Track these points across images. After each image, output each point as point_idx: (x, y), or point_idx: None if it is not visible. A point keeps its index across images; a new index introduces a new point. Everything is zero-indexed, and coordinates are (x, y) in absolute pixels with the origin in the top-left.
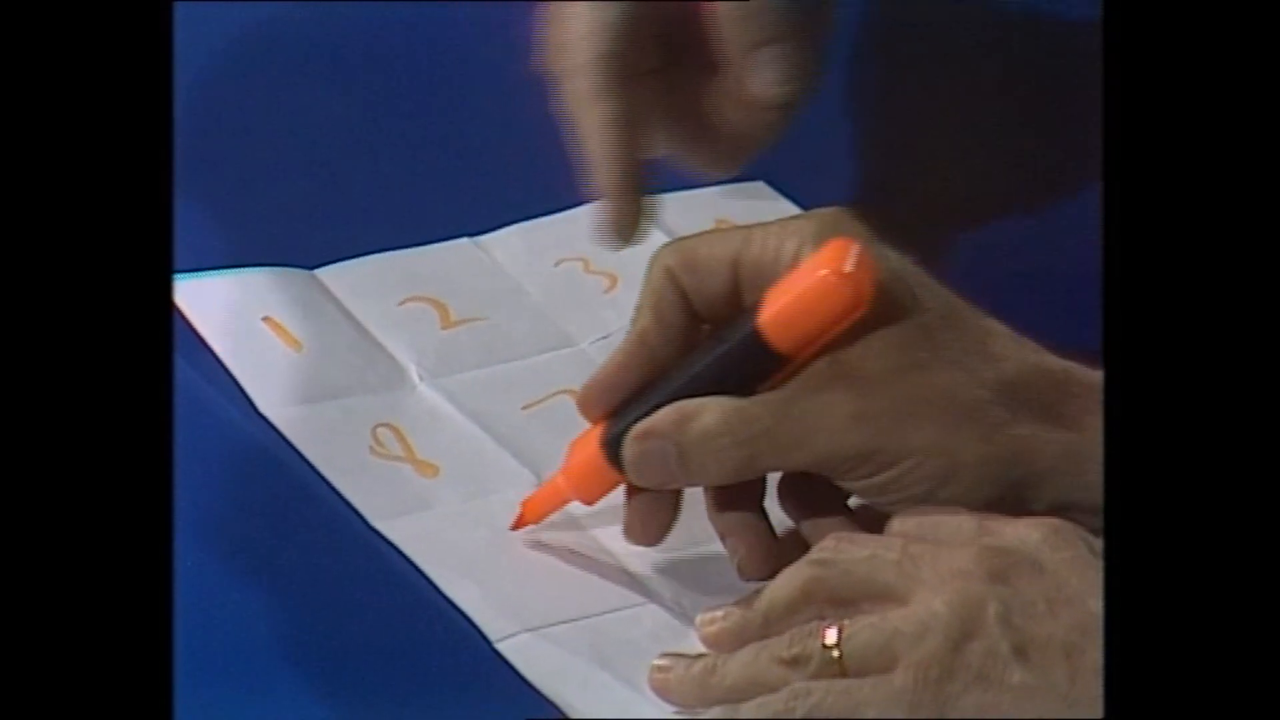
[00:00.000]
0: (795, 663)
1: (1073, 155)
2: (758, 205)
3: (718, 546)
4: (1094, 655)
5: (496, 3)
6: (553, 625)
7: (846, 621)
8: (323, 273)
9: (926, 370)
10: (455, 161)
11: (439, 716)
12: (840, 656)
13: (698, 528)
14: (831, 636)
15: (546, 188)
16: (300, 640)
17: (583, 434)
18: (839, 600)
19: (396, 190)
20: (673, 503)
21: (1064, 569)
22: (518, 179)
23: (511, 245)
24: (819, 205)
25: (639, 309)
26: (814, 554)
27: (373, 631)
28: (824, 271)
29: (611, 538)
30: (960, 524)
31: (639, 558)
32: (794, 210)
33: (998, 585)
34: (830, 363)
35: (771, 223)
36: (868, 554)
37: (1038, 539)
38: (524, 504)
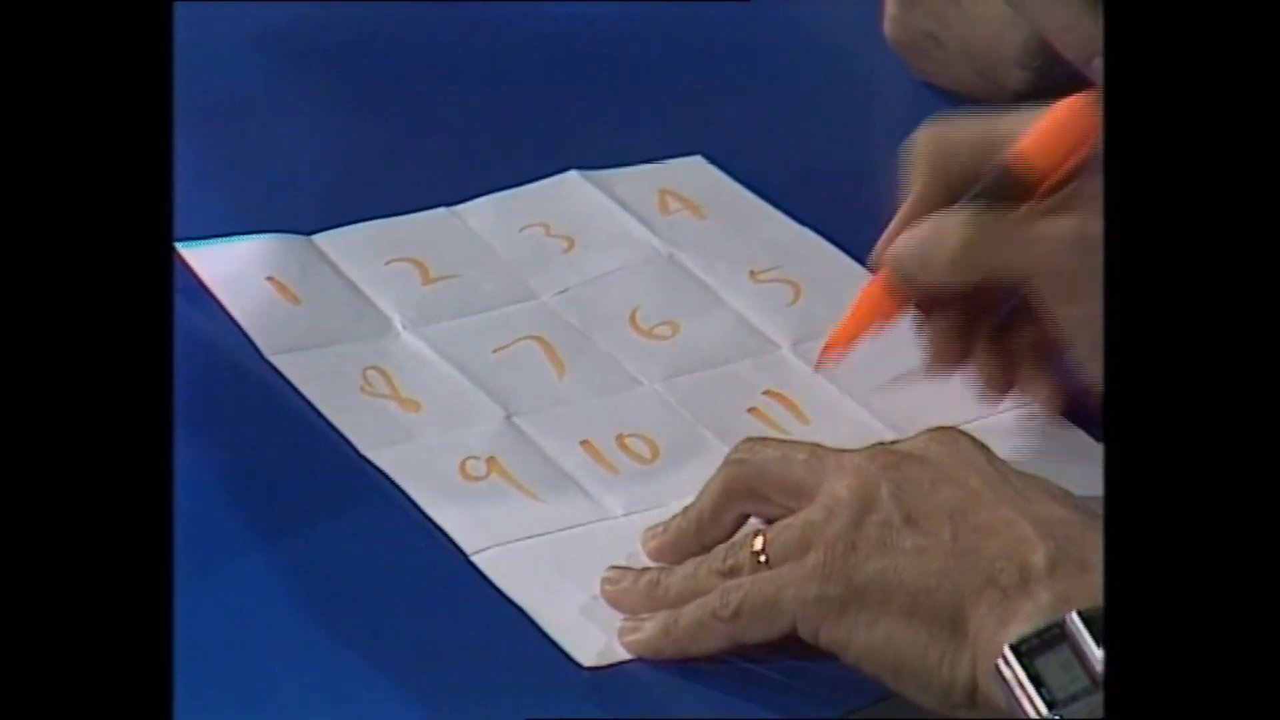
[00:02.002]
0: (730, 574)
1: None
2: (696, 178)
3: (664, 475)
4: (973, 517)
5: (480, 2)
6: (520, 540)
7: (768, 528)
8: (318, 238)
9: None
10: (434, 141)
11: (415, 615)
12: (767, 560)
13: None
14: (759, 544)
15: (514, 164)
16: (296, 552)
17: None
18: (754, 494)
19: (383, 167)
20: (962, 331)
21: (946, 459)
22: (489, 156)
23: (483, 213)
24: (755, 179)
25: (911, 179)
26: (731, 455)
27: (360, 543)
28: (1070, 103)
29: (573, 462)
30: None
31: (595, 480)
32: (732, 183)
33: (889, 471)
34: (1066, 195)
35: (1011, 111)
36: (779, 455)
37: (924, 440)
38: (828, 341)
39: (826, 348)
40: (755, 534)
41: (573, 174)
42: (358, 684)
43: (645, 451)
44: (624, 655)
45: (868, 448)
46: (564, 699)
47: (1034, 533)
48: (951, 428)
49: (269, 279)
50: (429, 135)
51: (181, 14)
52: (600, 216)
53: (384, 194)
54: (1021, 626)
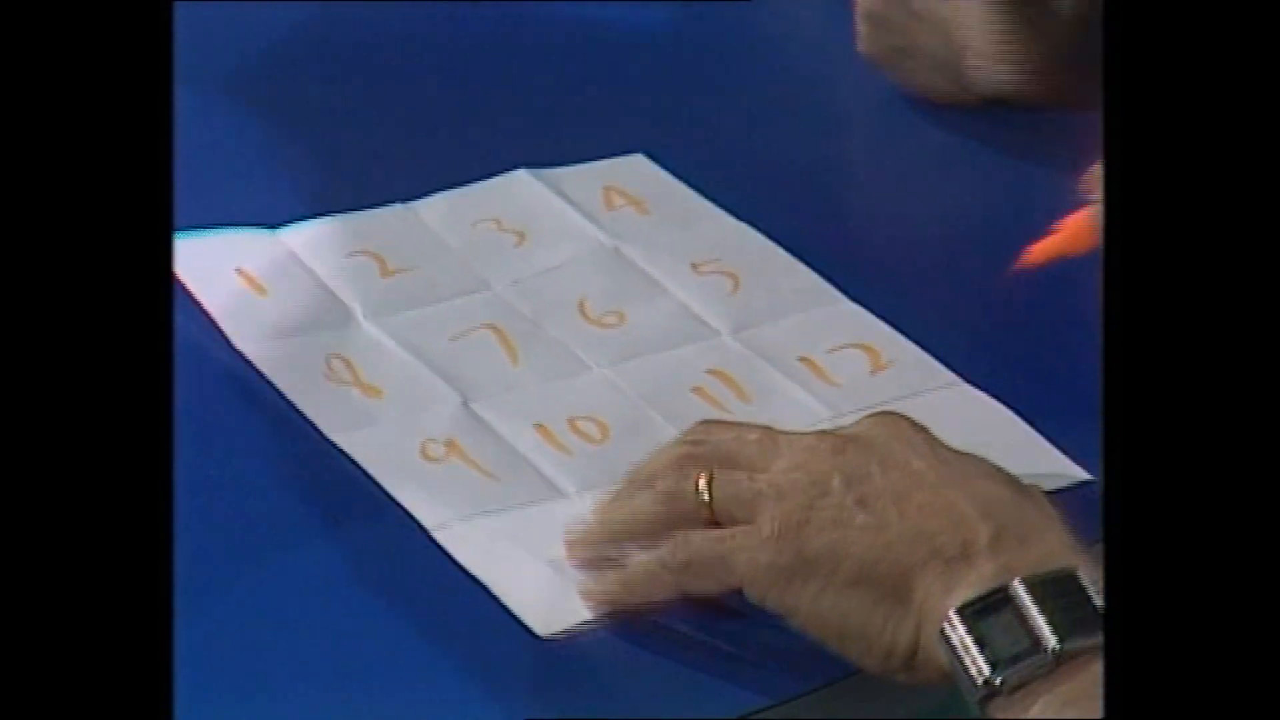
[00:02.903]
0: (670, 498)
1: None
2: (639, 175)
3: (613, 454)
4: (917, 496)
5: (441, 4)
6: (479, 516)
7: (713, 471)
8: (283, 232)
9: None
10: (391, 141)
11: (376, 588)
12: (709, 501)
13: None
14: (701, 483)
15: (466, 162)
16: (263, 532)
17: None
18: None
19: (343, 166)
20: None
21: (889, 442)
22: (442, 155)
23: (437, 209)
24: (694, 177)
25: None
26: (685, 437)
27: (325, 522)
28: None
29: (527, 444)
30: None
31: (550, 462)
32: (673, 180)
33: (838, 457)
34: None
35: None
36: (733, 435)
37: (868, 423)
38: (1031, 250)
39: (1027, 256)
40: (699, 473)
41: (522, 172)
42: (323, 649)
43: (595, 433)
44: (576, 622)
45: (815, 432)
46: (519, 668)
47: (975, 512)
48: (892, 412)
49: (237, 271)
50: (385, 136)
51: (182, 12)
52: (549, 212)
53: (344, 191)
54: (965, 593)
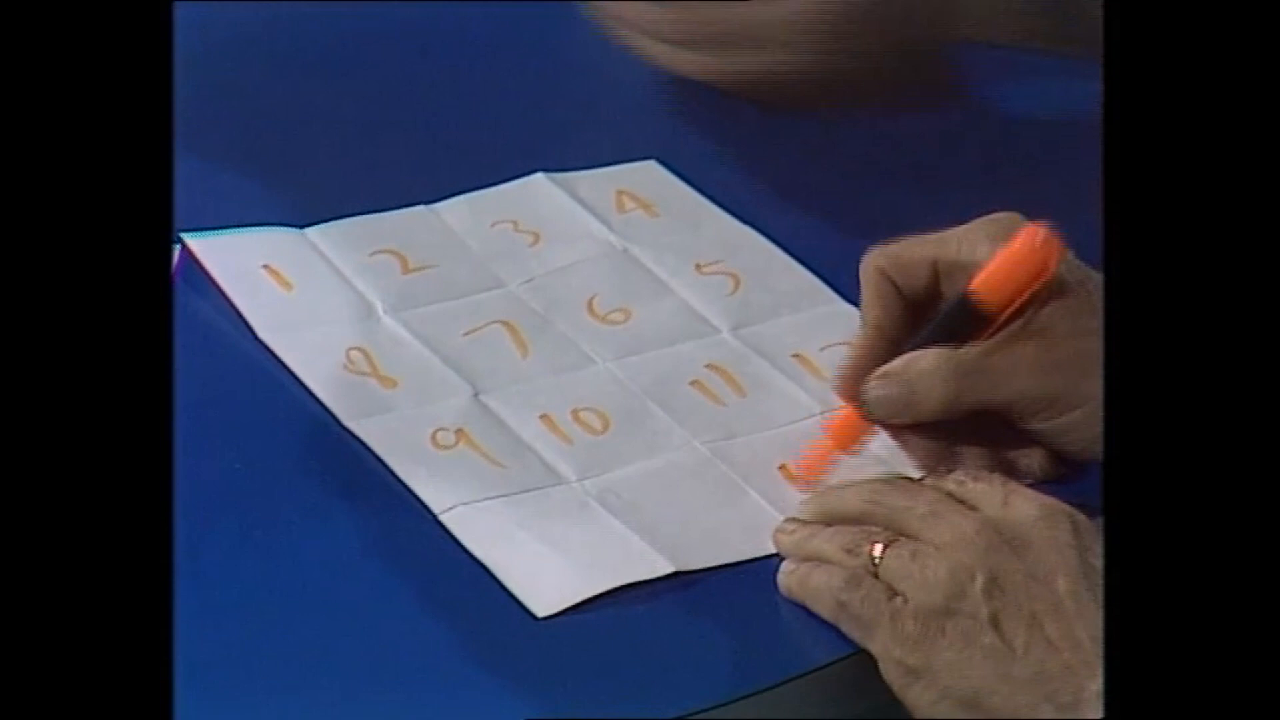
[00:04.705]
0: (849, 551)
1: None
2: (650, 180)
3: (613, 444)
4: (1049, 627)
5: (459, 4)
6: (483, 500)
7: (887, 545)
8: (310, 231)
9: (1096, 336)
10: (415, 145)
11: (385, 566)
12: (877, 566)
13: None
14: (877, 550)
15: (486, 166)
16: (284, 507)
17: (840, 408)
18: (881, 528)
19: (368, 167)
20: (946, 439)
21: (1045, 547)
22: (463, 159)
23: (457, 210)
24: (705, 181)
25: (865, 306)
26: (869, 494)
27: (338, 504)
28: (1020, 244)
29: (532, 433)
30: (990, 490)
31: (551, 449)
32: (682, 185)
33: (990, 554)
34: (1023, 324)
35: (960, 229)
36: (905, 505)
37: (1034, 516)
38: (802, 467)
39: (803, 476)
40: (878, 539)
41: (539, 176)
42: (331, 627)
43: (597, 424)
44: (573, 603)
45: (980, 518)
46: (518, 645)
47: (1096, 658)
48: (1062, 511)
49: (265, 267)
50: (410, 140)
51: (182, 12)
52: (563, 214)
53: (368, 192)
54: None
